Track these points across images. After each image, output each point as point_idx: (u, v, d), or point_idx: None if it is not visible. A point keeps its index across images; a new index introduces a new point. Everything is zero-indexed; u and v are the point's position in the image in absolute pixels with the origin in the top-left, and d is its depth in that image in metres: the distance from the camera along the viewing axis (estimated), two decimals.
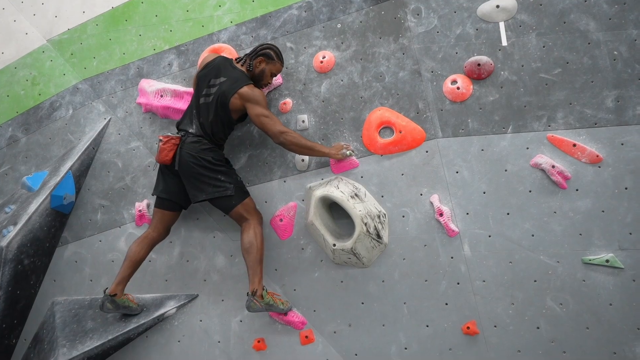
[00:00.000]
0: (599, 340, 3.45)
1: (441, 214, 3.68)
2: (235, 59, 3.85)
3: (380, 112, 3.85)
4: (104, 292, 3.72)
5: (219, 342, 3.93)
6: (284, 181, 3.97)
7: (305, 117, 3.96)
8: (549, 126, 3.64)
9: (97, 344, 3.84)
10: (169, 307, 3.98)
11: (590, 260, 3.51)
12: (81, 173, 4.19)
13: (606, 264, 3.48)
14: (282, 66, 3.89)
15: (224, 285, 3.98)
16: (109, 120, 4.28)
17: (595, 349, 3.45)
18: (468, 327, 3.61)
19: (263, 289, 3.59)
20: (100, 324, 3.95)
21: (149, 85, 4.18)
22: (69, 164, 4.13)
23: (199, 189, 3.63)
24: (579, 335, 3.48)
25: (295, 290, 3.87)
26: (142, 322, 3.93)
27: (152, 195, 3.84)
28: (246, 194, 3.75)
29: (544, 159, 3.61)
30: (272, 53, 3.80)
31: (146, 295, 4.05)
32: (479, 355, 3.59)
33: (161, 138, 3.63)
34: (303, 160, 3.93)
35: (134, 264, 3.75)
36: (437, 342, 3.65)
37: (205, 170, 3.62)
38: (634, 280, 3.44)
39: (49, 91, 4.46)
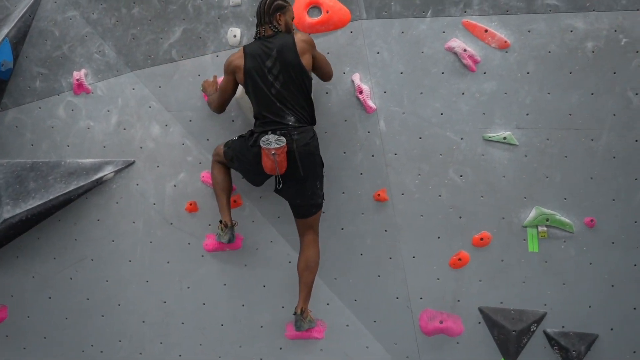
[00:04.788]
0: (491, 207, 3.92)
1: (361, 92, 3.96)
2: (255, 35, 3.64)
3: None
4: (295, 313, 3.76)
5: (154, 204, 4.26)
6: (217, 56, 4.16)
7: None
8: (465, 12, 3.89)
9: (40, 202, 4.12)
10: (107, 171, 4.25)
11: (490, 137, 3.90)
12: (18, 40, 4.28)
13: (503, 141, 3.88)
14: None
15: (159, 153, 4.25)
16: None
17: (487, 215, 3.92)
18: (379, 195, 4.01)
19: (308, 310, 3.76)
20: (42, 185, 4.20)
21: None
22: (5, 30, 4.19)
23: (298, 193, 3.63)
24: (474, 202, 3.93)
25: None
26: (82, 184, 4.21)
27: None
28: (322, 204, 3.78)
29: (457, 43, 3.88)
30: (281, 2, 3.61)
31: (85, 160, 4.29)
32: (387, 219, 4.02)
33: (274, 151, 3.41)
34: (235, 36, 4.11)
35: (300, 280, 3.78)
36: (351, 207, 4.05)
37: (314, 173, 3.60)
38: (525, 156, 3.86)
39: None
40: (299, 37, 3.55)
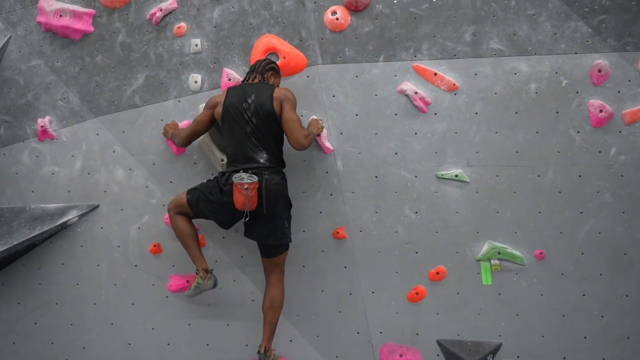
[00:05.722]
0: (446, 242, 4.07)
1: (318, 134, 4.11)
2: (243, 79, 3.89)
3: (267, 39, 4.19)
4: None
5: (118, 247, 4.32)
6: (179, 101, 4.29)
7: (198, 41, 4.25)
8: (415, 56, 4.09)
9: (3, 248, 4.14)
10: (72, 216, 4.31)
11: (442, 175, 4.07)
12: None
13: (455, 178, 4.05)
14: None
15: (123, 196, 4.33)
16: (9, 38, 4.40)
17: (442, 249, 4.07)
18: (338, 232, 4.14)
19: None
20: (6, 230, 4.24)
21: (48, 4, 4.32)
22: None
23: (268, 233, 3.74)
24: (429, 238, 4.08)
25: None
26: (46, 229, 4.25)
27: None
28: (289, 244, 3.90)
29: (409, 86, 4.07)
30: (277, 67, 3.93)
31: (50, 205, 4.35)
32: (346, 256, 4.15)
33: (247, 186, 3.54)
34: (196, 81, 4.26)
35: (265, 319, 3.85)
36: (311, 244, 4.17)
37: (283, 213, 3.75)
38: (477, 192, 4.04)
39: None
40: (279, 88, 3.78)
